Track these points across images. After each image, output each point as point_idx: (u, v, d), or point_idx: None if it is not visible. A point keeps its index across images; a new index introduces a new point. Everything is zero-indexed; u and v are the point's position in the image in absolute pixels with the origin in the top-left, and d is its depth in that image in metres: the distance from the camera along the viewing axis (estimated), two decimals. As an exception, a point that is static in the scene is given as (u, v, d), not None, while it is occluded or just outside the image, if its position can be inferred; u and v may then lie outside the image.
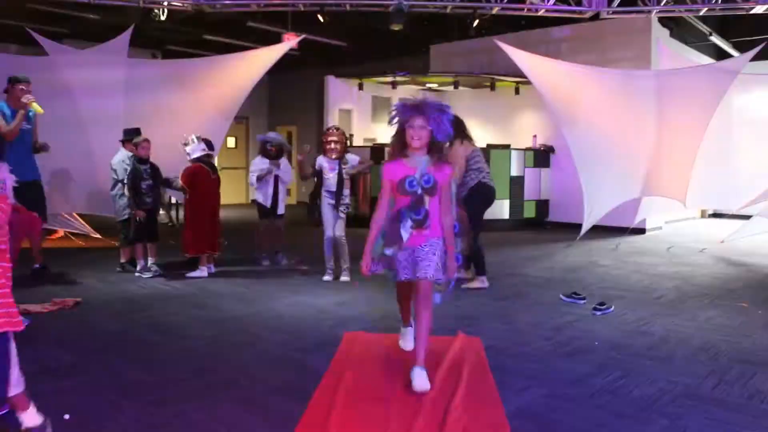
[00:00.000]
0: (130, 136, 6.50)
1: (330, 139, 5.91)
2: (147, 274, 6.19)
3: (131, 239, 6.36)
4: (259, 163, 6.77)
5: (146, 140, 6.29)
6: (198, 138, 6.38)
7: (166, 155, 6.66)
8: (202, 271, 6.26)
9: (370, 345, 3.99)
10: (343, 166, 5.92)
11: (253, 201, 6.92)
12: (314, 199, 6.15)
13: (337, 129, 6.12)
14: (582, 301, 5.21)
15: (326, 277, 6.04)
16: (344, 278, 6.02)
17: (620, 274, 6.61)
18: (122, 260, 6.55)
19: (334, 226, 5.94)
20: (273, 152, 6.71)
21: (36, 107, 5.66)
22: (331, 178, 5.91)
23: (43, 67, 7.11)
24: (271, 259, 6.99)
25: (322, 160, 5.98)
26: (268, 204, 6.83)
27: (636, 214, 9.19)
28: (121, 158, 6.45)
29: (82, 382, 3.28)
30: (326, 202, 5.94)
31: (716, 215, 12.58)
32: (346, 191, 5.96)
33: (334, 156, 5.89)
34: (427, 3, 8.72)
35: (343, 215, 5.96)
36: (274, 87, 15.94)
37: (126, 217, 6.41)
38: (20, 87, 5.64)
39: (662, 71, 8.66)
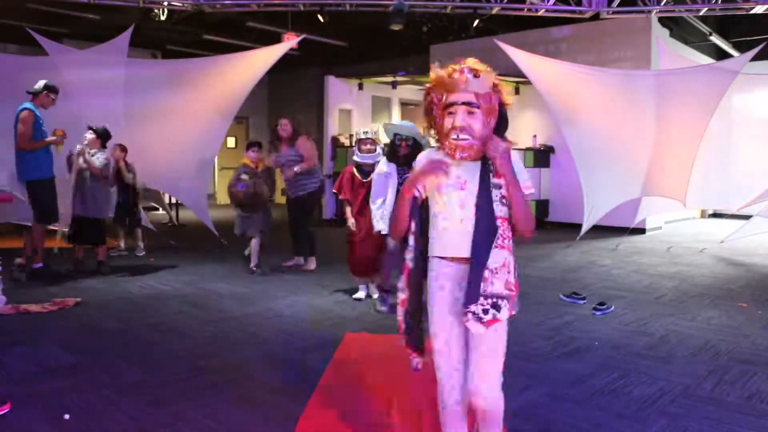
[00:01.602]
0: None
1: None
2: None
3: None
4: (381, 169, 4.75)
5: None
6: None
7: (166, 155, 6.65)
8: (363, 291, 5.37)
9: (370, 345, 4.00)
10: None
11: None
12: None
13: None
14: (582, 301, 5.21)
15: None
16: None
17: (620, 274, 6.60)
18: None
19: None
20: (403, 149, 4.53)
21: (59, 148, 5.91)
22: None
23: (43, 67, 7.09)
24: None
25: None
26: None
27: (636, 214, 9.17)
28: None
29: (82, 382, 3.28)
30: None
31: (716, 215, 12.57)
32: None
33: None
34: (427, 3, 8.71)
35: None
36: (274, 87, 15.93)
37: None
38: (52, 97, 5.88)
39: (662, 71, 8.64)
